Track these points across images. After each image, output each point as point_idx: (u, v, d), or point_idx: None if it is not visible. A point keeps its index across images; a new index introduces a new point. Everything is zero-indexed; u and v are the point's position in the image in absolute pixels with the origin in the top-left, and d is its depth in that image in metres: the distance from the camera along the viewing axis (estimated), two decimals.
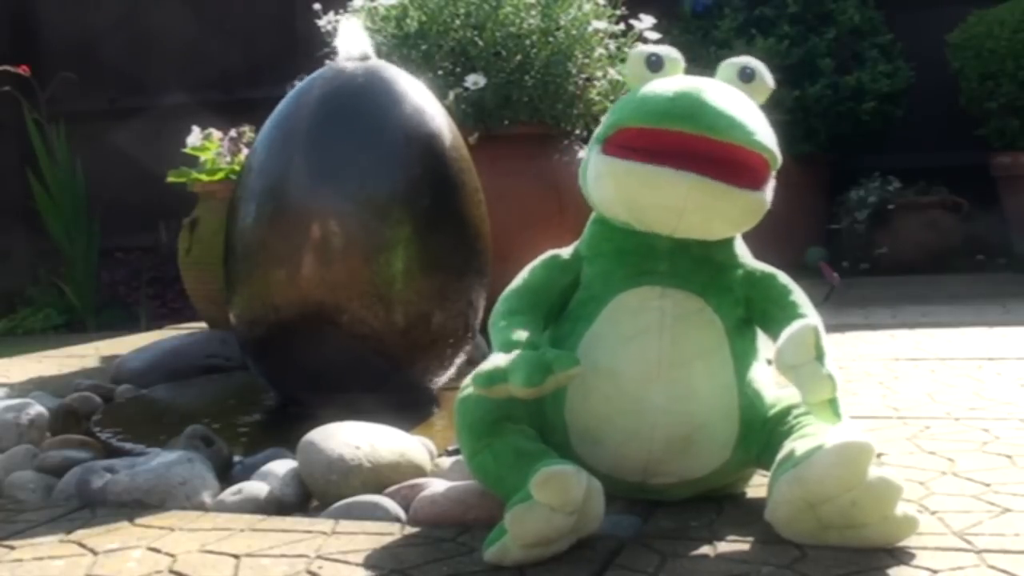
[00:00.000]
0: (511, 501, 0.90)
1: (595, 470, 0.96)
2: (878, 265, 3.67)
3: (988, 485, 1.06)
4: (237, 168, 2.39)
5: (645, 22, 2.33)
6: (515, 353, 0.96)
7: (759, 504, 0.98)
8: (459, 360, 1.58)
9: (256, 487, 1.17)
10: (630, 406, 1.01)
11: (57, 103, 3.95)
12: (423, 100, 1.54)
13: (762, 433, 1.03)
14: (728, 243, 1.06)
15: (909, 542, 0.90)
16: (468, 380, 1.04)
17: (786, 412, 1.02)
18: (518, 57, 2.23)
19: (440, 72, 2.18)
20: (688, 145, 0.96)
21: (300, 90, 1.55)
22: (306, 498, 1.16)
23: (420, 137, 1.51)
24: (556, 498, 0.88)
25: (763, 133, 0.98)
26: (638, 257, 1.03)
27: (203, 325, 2.65)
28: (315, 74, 1.57)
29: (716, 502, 1.06)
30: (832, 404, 0.94)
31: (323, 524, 1.05)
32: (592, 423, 1.03)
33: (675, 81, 1.01)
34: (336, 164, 1.48)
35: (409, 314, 1.49)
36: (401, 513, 1.07)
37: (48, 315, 3.72)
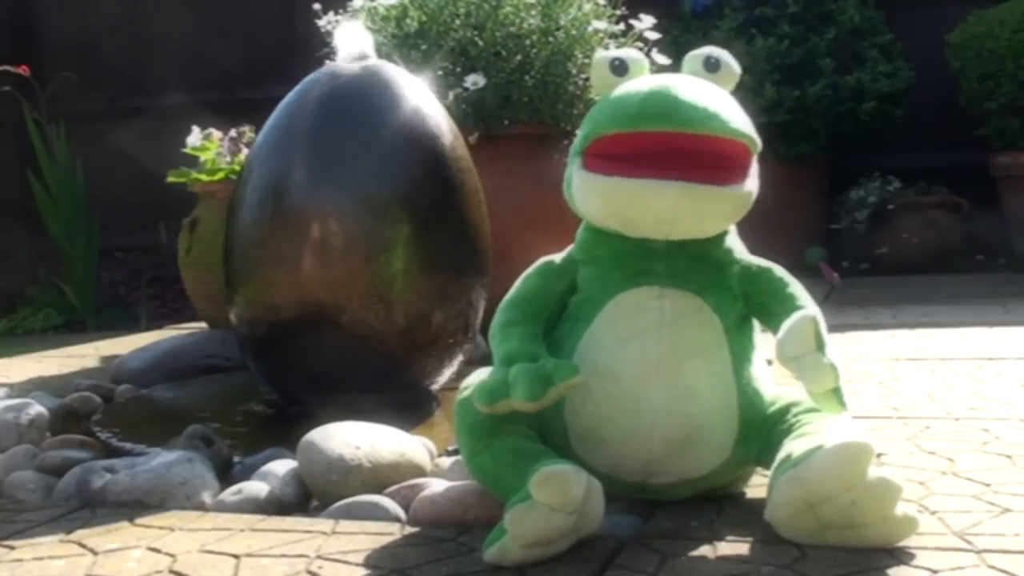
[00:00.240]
0: (511, 501, 0.90)
1: (595, 470, 0.96)
2: (878, 265, 3.67)
3: (988, 485, 1.06)
4: (237, 168, 2.39)
5: (645, 22, 2.33)
6: (515, 367, 0.96)
7: (759, 504, 0.98)
8: (459, 360, 1.58)
9: (256, 487, 1.17)
10: (629, 406, 1.01)
11: (57, 103, 3.95)
12: (423, 100, 1.54)
13: (761, 431, 1.03)
14: (723, 240, 1.06)
15: (909, 542, 0.90)
16: (468, 380, 1.04)
17: (785, 410, 1.02)
18: (518, 57, 2.23)
19: (440, 72, 2.18)
20: (667, 144, 0.96)
21: (300, 90, 1.55)
22: (306, 498, 1.16)
23: (420, 137, 1.51)
24: (556, 498, 0.88)
25: (739, 120, 0.98)
26: (635, 258, 1.03)
27: (203, 325, 2.65)
28: (315, 74, 1.57)
29: (716, 502, 1.06)
30: (836, 393, 0.94)
31: (323, 524, 1.05)
32: (592, 423, 1.03)
33: (644, 81, 1.01)
34: (336, 164, 1.48)
35: (409, 314, 1.49)
36: (401, 513, 1.07)
37: (48, 315, 3.72)
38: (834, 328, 2.20)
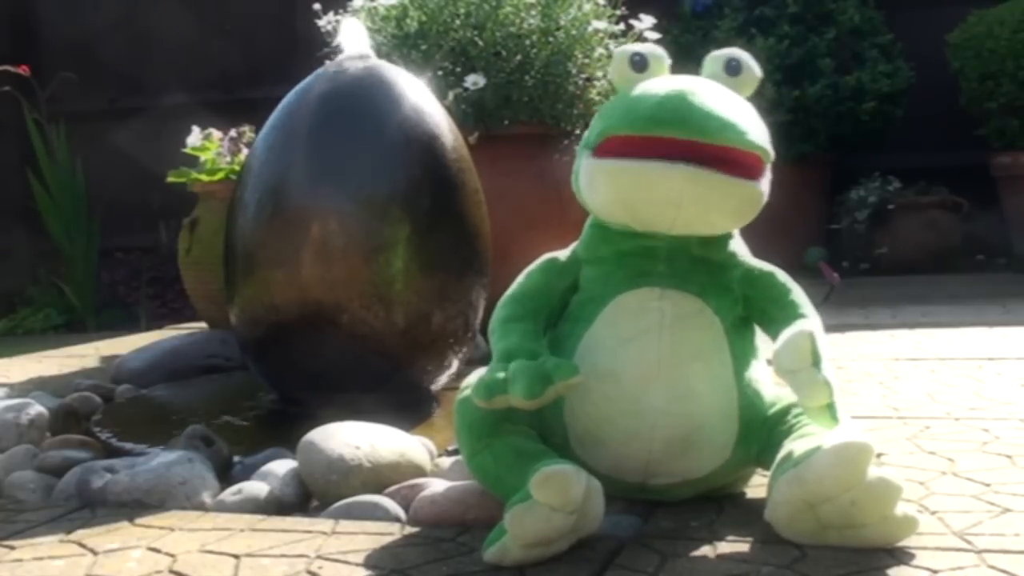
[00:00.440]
0: (511, 501, 0.90)
1: (595, 471, 0.96)
2: (878, 265, 3.67)
3: (988, 485, 1.06)
4: (237, 168, 2.39)
5: (645, 22, 2.33)
6: (514, 363, 0.96)
7: (759, 504, 0.98)
8: (459, 360, 1.58)
9: (256, 487, 1.17)
10: (630, 407, 1.01)
11: (57, 103, 3.95)
12: (423, 100, 1.54)
13: (762, 432, 1.03)
14: (726, 242, 1.06)
15: (909, 542, 0.90)
16: (468, 380, 1.04)
17: (785, 411, 1.02)
18: (518, 57, 2.23)
19: (440, 72, 2.18)
20: (679, 150, 0.95)
21: (300, 90, 1.55)
22: (306, 498, 1.16)
23: (420, 137, 1.51)
24: (556, 498, 0.88)
25: (755, 131, 0.97)
26: (637, 259, 1.03)
27: (203, 325, 2.65)
28: (315, 74, 1.57)
29: (716, 502, 1.06)
30: (829, 409, 0.93)
31: (323, 524, 1.05)
32: (592, 424, 1.03)
33: (661, 84, 1.00)
34: (336, 164, 1.48)
35: (409, 314, 1.49)
36: (401, 513, 1.07)
37: (48, 315, 3.72)
38: (834, 328, 2.22)
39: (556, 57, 2.23)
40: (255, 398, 1.68)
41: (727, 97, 0.99)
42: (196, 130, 2.56)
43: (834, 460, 0.88)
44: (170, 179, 2.56)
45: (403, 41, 2.27)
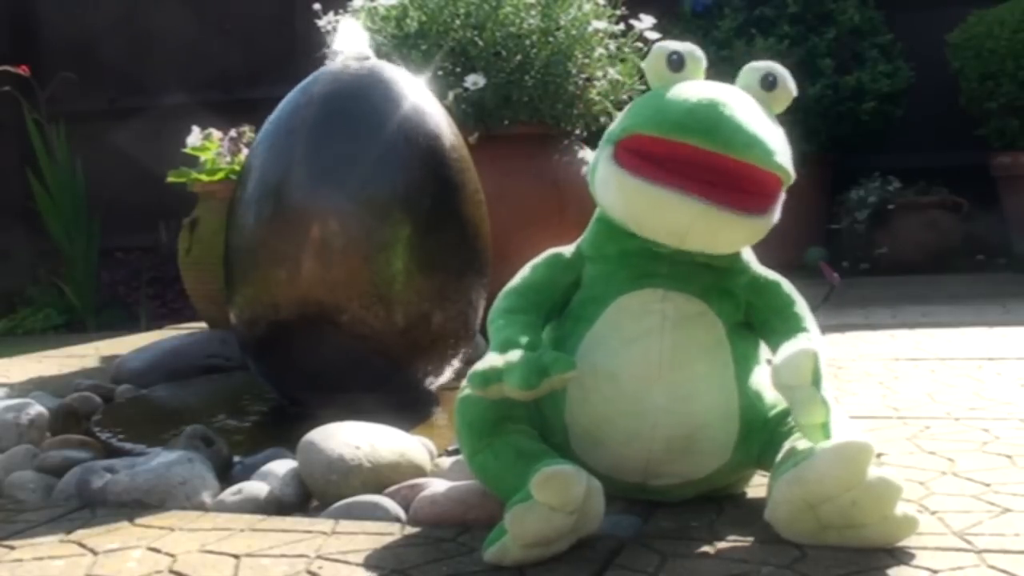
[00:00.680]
0: (511, 501, 0.90)
1: (595, 471, 0.96)
2: (878, 265, 3.67)
3: (988, 485, 1.06)
4: (237, 168, 2.39)
5: (645, 22, 2.33)
6: (512, 353, 0.95)
7: (759, 504, 0.98)
8: (459, 360, 1.58)
9: (256, 487, 1.17)
10: (630, 408, 1.01)
11: (57, 103, 3.95)
12: (423, 100, 1.54)
13: (763, 434, 1.03)
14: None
15: (909, 542, 0.90)
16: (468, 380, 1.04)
17: (786, 413, 1.02)
18: (518, 57, 2.23)
19: (440, 72, 2.18)
20: (702, 160, 0.94)
21: (300, 90, 1.55)
22: (306, 498, 1.16)
23: (420, 137, 1.51)
24: (556, 498, 0.88)
25: (780, 152, 0.97)
26: (641, 259, 1.03)
27: (203, 325, 2.65)
28: (315, 74, 1.57)
29: (716, 502, 1.06)
30: (823, 427, 0.93)
31: (323, 524, 1.05)
32: (592, 424, 1.03)
33: (695, 89, 0.99)
34: (336, 164, 1.48)
35: (409, 314, 1.49)
36: (401, 513, 1.07)
37: (48, 315, 3.72)
38: (834, 328, 2.22)
39: (556, 57, 2.23)
40: (255, 398, 1.68)
41: (758, 113, 0.98)
42: (196, 130, 2.56)
43: (834, 460, 0.88)
44: (170, 179, 2.56)
45: (403, 41, 2.27)
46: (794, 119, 3.89)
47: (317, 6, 2.48)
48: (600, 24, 2.29)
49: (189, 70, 4.59)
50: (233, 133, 2.51)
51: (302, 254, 1.46)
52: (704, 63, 1.04)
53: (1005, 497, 1.02)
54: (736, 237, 1.00)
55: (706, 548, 0.93)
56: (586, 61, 2.28)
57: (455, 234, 1.54)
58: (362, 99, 1.51)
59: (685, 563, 0.90)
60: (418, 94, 1.54)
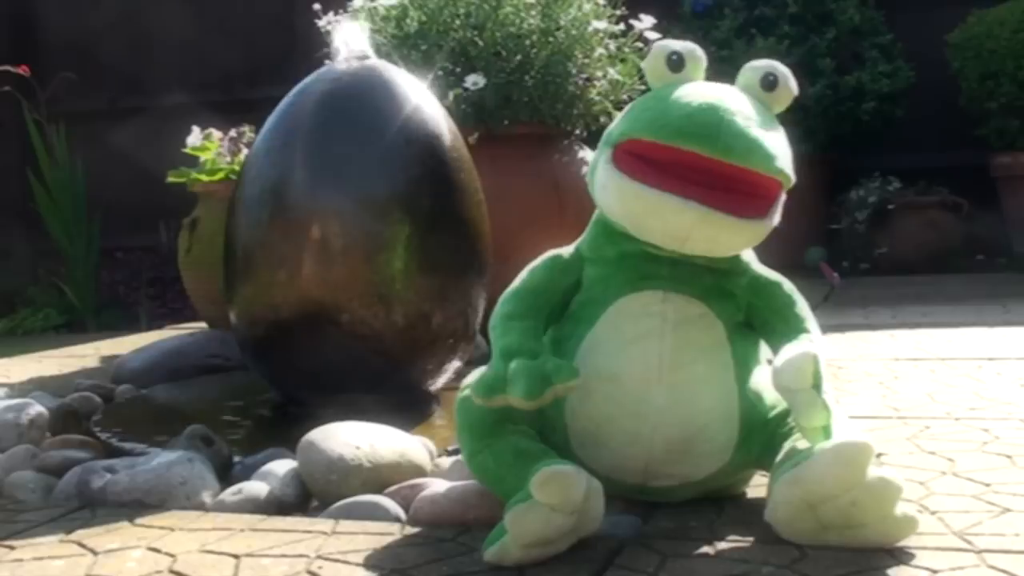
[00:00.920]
0: (511, 501, 0.89)
1: (595, 472, 0.96)
2: (878, 265, 3.67)
3: (988, 485, 1.06)
4: (237, 168, 2.39)
5: (645, 22, 2.33)
6: (514, 363, 0.95)
7: (759, 504, 0.98)
8: (459, 360, 1.58)
9: (256, 487, 1.17)
10: (631, 409, 1.01)
11: (57, 103, 3.95)
12: (423, 100, 1.54)
13: (763, 435, 1.02)
14: None
15: (909, 542, 0.90)
16: (468, 380, 1.04)
17: (787, 413, 1.02)
18: (518, 57, 2.23)
19: (440, 72, 2.18)
20: (702, 166, 0.94)
21: (300, 90, 1.55)
22: (306, 498, 1.16)
23: (420, 137, 1.51)
24: (556, 498, 0.88)
25: (780, 155, 0.96)
26: (640, 261, 1.02)
27: (203, 325, 2.65)
28: (315, 74, 1.57)
29: (716, 502, 1.06)
30: (824, 431, 0.93)
31: (323, 524, 1.05)
32: (592, 426, 1.03)
33: (695, 93, 0.98)
34: (336, 164, 1.48)
35: (409, 314, 1.49)
36: (401, 513, 1.07)
37: (48, 315, 3.72)
38: (834, 328, 2.22)
39: (556, 57, 2.23)
40: (255, 398, 1.68)
41: (758, 116, 0.97)
42: (196, 130, 2.56)
43: (834, 460, 0.88)
44: (170, 179, 2.56)
45: (403, 41, 2.27)
46: (794, 119, 3.91)
47: (317, 6, 2.48)
48: (600, 24, 2.29)
49: (189, 70, 4.59)
50: (233, 133, 2.51)
51: (302, 254, 1.46)
52: (704, 63, 1.04)
53: (1005, 497, 1.02)
54: (736, 241, 1.00)
55: (706, 548, 0.93)
56: (586, 61, 2.28)
57: (455, 234, 1.54)
58: (362, 99, 1.51)
59: (685, 563, 0.90)
60: (418, 94, 1.54)
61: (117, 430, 1.48)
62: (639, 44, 2.34)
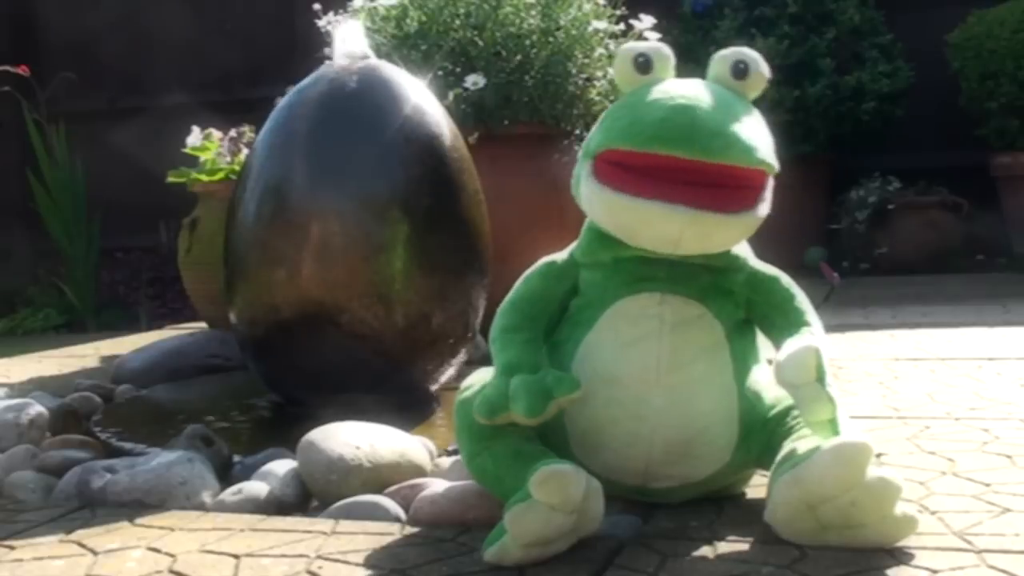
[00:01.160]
0: (510, 501, 0.89)
1: (595, 473, 0.96)
2: (878, 265, 3.67)
3: (988, 485, 1.06)
4: (237, 168, 2.39)
5: (645, 22, 2.33)
6: (515, 379, 0.95)
7: (759, 504, 0.98)
8: (459, 360, 1.58)
9: (256, 487, 1.17)
10: (630, 411, 1.01)
11: (57, 103, 3.95)
12: (423, 100, 1.54)
13: (762, 434, 1.02)
14: (727, 249, 1.05)
15: (909, 542, 0.90)
16: (468, 381, 1.04)
17: (786, 413, 1.02)
18: (518, 57, 2.23)
19: (440, 72, 2.18)
20: (681, 168, 0.93)
21: (300, 90, 1.55)
22: (306, 498, 1.16)
23: (420, 137, 1.51)
24: (555, 497, 0.88)
25: (761, 146, 0.95)
26: (636, 264, 1.02)
27: (203, 325, 2.65)
28: (315, 74, 1.57)
29: (716, 502, 1.06)
30: (831, 423, 0.93)
31: (323, 524, 1.05)
32: (591, 428, 1.02)
33: (666, 93, 0.97)
34: (336, 164, 1.48)
35: (409, 314, 1.49)
36: (401, 513, 1.07)
37: (48, 315, 3.72)
38: (834, 328, 2.22)
39: (556, 57, 2.23)
40: (255, 398, 1.68)
41: (732, 109, 0.96)
42: (196, 130, 2.56)
43: (833, 460, 0.88)
44: (170, 179, 2.56)
45: (403, 41, 2.27)
46: (794, 119, 3.91)
47: (317, 6, 2.48)
48: (600, 24, 2.29)
49: (189, 70, 4.59)
50: (233, 133, 2.51)
51: (302, 254, 1.46)
52: (672, 60, 1.02)
53: (1005, 497, 1.02)
54: (729, 236, 0.99)
55: (706, 548, 0.93)
56: (586, 61, 2.28)
57: (455, 234, 1.54)
58: (362, 99, 1.51)
59: (685, 563, 0.90)
60: (418, 94, 1.54)
61: (117, 430, 1.48)
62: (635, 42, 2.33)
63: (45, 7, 4.84)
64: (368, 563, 0.93)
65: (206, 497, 1.16)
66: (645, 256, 1.01)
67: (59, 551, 1.01)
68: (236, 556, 0.97)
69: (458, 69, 2.22)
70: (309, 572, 0.92)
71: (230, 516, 1.10)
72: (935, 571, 0.84)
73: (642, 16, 2.34)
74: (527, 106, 2.23)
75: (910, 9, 3.97)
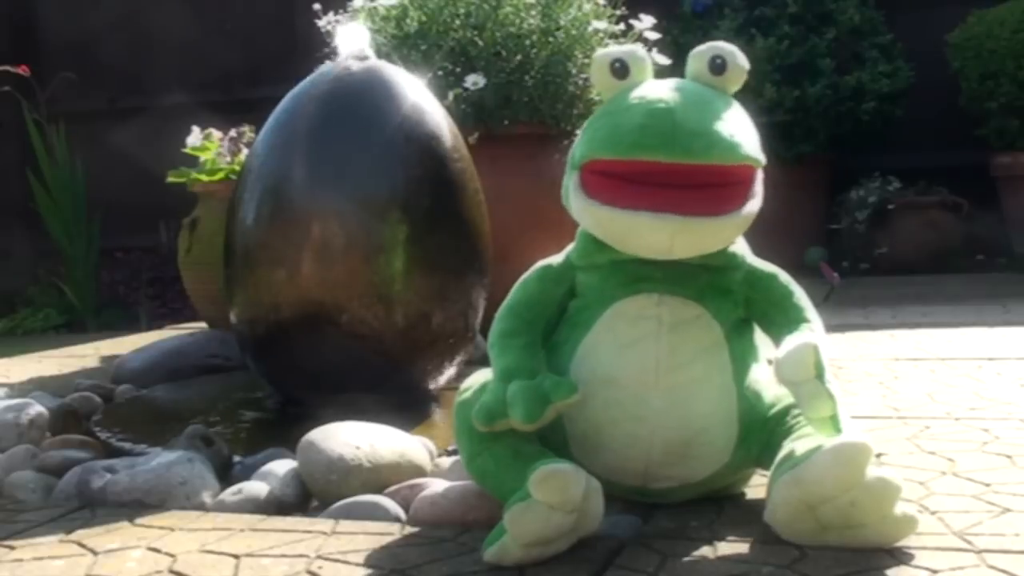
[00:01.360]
0: (510, 500, 0.89)
1: (594, 474, 0.96)
2: (878, 265, 3.67)
3: (988, 485, 1.06)
4: (237, 168, 2.39)
5: (645, 22, 2.33)
6: (513, 385, 0.95)
7: (759, 504, 0.98)
8: (459, 360, 1.58)
9: (256, 487, 1.17)
10: (629, 412, 1.01)
11: (57, 103, 3.95)
12: (423, 100, 1.54)
13: (762, 433, 1.02)
14: (724, 248, 1.05)
15: (909, 542, 0.90)
16: (468, 381, 1.04)
17: (785, 412, 1.02)
18: (518, 57, 2.23)
19: (440, 72, 2.18)
20: (665, 172, 0.93)
21: (300, 90, 1.55)
22: (306, 498, 1.16)
23: (420, 137, 1.51)
24: (555, 496, 0.88)
25: (744, 141, 0.95)
26: (634, 265, 1.02)
27: (203, 325, 2.65)
28: (315, 74, 1.57)
29: (716, 502, 1.06)
30: (832, 420, 0.93)
31: (323, 524, 1.05)
32: (591, 429, 1.02)
33: (644, 98, 0.96)
34: (336, 164, 1.48)
35: (409, 314, 1.49)
36: (401, 513, 1.07)
37: (48, 315, 3.72)
38: (834, 328, 2.22)
39: (556, 57, 2.23)
40: (255, 398, 1.68)
41: (712, 106, 0.96)
42: (196, 130, 2.56)
43: (833, 460, 0.88)
44: (170, 179, 2.56)
45: (403, 41, 2.27)
46: (794, 119, 3.91)
47: (317, 6, 2.48)
48: (600, 24, 2.29)
49: (189, 70, 4.59)
50: (233, 133, 2.51)
51: (302, 254, 1.46)
52: (648, 62, 1.02)
53: (1005, 497, 1.02)
54: (722, 237, 0.99)
55: (706, 548, 0.93)
56: (586, 61, 2.28)
57: (455, 234, 1.54)
58: (362, 99, 1.51)
59: (685, 563, 0.90)
60: (418, 94, 1.54)
61: (117, 430, 1.48)
62: (639, 44, 2.33)
63: (45, 7, 4.84)
64: (368, 563, 0.93)
65: (206, 497, 1.16)
66: (640, 258, 1.01)
67: (59, 551, 1.01)
68: (236, 556, 0.97)
69: (458, 69, 2.22)
70: (309, 572, 0.92)
71: (230, 516, 1.10)
72: (935, 571, 0.84)
73: (642, 16, 2.34)
74: (527, 106, 2.23)
75: (910, 9, 3.97)
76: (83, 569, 0.96)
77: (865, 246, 3.70)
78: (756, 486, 1.10)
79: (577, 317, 1.05)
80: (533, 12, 2.25)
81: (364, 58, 1.58)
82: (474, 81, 2.17)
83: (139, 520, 1.09)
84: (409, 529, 1.02)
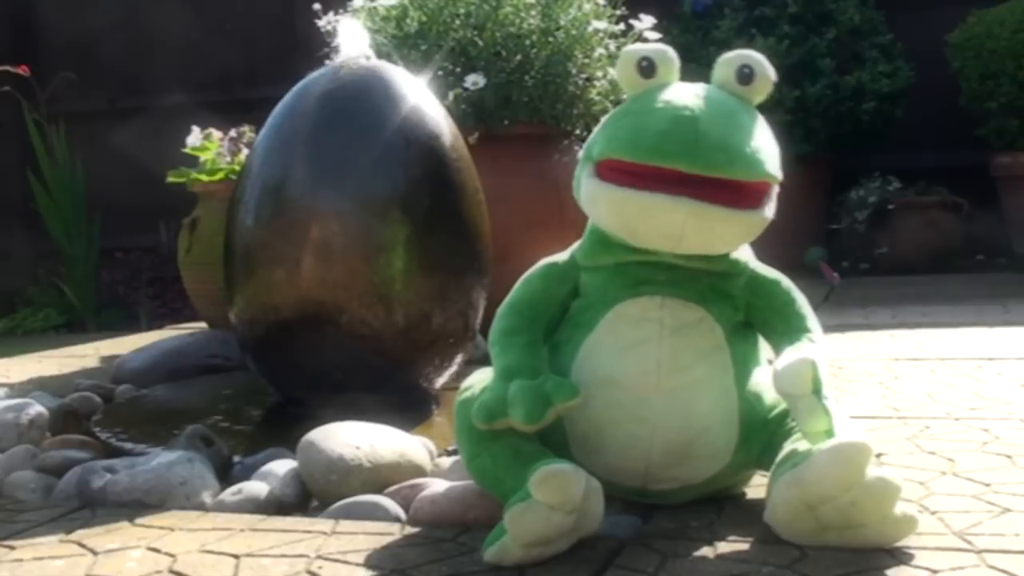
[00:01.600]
0: (510, 500, 0.90)
1: (595, 476, 0.95)
2: (878, 265, 3.67)
3: (988, 485, 1.06)
4: (237, 168, 2.39)
5: (645, 22, 2.33)
6: (514, 384, 0.95)
7: (759, 505, 0.98)
8: (459, 360, 1.58)
9: (256, 487, 1.17)
10: (629, 414, 1.00)
11: (57, 103, 3.95)
12: (423, 100, 1.54)
13: (763, 435, 1.02)
14: (728, 253, 1.05)
15: (909, 542, 0.90)
16: (468, 381, 1.04)
17: (786, 414, 1.01)
18: (518, 57, 2.23)
19: (440, 72, 2.18)
20: (683, 183, 0.92)
21: (300, 90, 1.55)
22: (306, 498, 1.16)
23: (420, 137, 1.51)
24: (555, 496, 0.88)
25: (765, 158, 0.95)
26: (637, 267, 1.02)
27: (203, 325, 2.65)
28: (315, 74, 1.57)
29: (716, 503, 1.06)
30: (827, 435, 0.92)
31: (323, 524, 1.05)
32: (591, 431, 1.02)
33: (670, 102, 0.96)
34: (336, 164, 1.48)
35: (409, 314, 1.49)
36: (401, 513, 1.07)
37: (48, 315, 3.72)
38: (834, 328, 2.22)
39: (556, 57, 2.23)
40: (255, 398, 1.68)
41: (736, 118, 0.95)
42: (196, 130, 2.56)
43: (833, 460, 0.88)
44: (170, 179, 2.56)
45: (403, 41, 2.27)
46: (794, 119, 3.91)
47: (317, 6, 2.48)
48: (600, 24, 2.29)
49: (189, 70, 4.59)
50: (233, 133, 2.51)
51: (302, 254, 1.46)
52: (676, 63, 1.01)
53: (1005, 497, 1.02)
54: (732, 233, 0.98)
55: (706, 548, 0.93)
56: (586, 61, 2.28)
57: (455, 234, 1.54)
58: (362, 99, 1.51)
59: (685, 563, 0.90)
60: (418, 94, 1.54)
61: (117, 430, 1.48)
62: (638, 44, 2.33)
63: (45, 7, 4.84)
64: (368, 563, 0.93)
65: (206, 497, 1.16)
66: (646, 260, 1.01)
67: (59, 551, 1.01)
68: (236, 556, 0.97)
69: (458, 69, 2.22)
70: (309, 572, 0.92)
71: (230, 516, 1.10)
72: (935, 571, 0.84)
73: (642, 16, 2.34)
74: (527, 106, 2.23)
75: (910, 9, 3.97)
76: (83, 569, 0.96)
77: (865, 246, 3.70)
78: (756, 486, 1.10)
79: (579, 317, 1.05)
80: (533, 12, 2.25)
81: (364, 58, 1.58)
82: (474, 81, 2.17)
83: (139, 520, 1.09)
84: (409, 529, 1.02)
